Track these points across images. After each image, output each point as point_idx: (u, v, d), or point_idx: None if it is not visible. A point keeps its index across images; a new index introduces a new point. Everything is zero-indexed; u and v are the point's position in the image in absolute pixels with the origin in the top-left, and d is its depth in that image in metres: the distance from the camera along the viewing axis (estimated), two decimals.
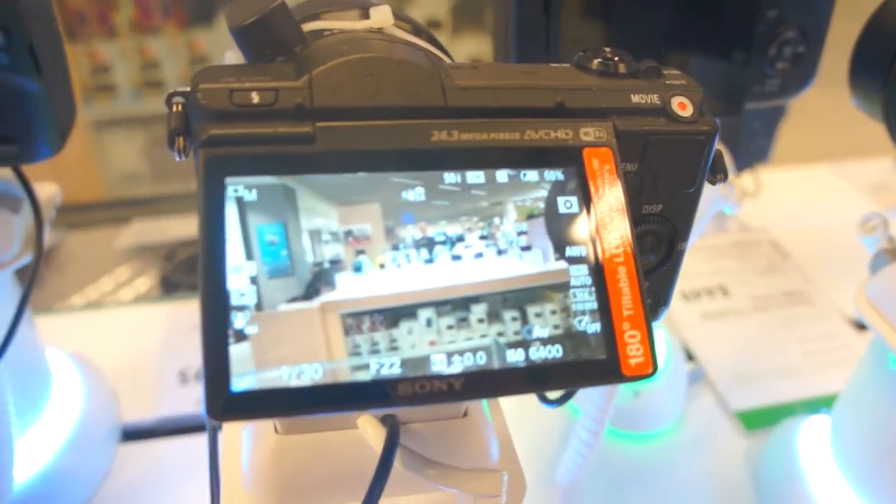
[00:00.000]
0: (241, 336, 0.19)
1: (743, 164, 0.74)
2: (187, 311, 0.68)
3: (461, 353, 0.20)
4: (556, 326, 0.21)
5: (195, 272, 0.75)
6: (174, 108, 0.21)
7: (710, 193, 0.42)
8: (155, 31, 1.27)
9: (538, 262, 0.21)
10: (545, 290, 0.21)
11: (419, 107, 0.21)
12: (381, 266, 0.21)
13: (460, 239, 0.21)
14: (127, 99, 1.29)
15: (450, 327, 0.20)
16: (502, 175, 0.22)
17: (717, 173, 0.25)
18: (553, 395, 0.31)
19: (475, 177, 0.21)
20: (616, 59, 0.24)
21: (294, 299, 0.20)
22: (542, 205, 0.22)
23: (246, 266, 0.19)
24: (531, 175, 0.22)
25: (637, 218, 0.25)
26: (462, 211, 0.21)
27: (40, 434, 0.49)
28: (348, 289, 0.20)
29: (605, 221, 0.22)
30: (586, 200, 0.22)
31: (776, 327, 0.68)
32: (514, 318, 0.21)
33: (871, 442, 0.43)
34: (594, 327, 0.21)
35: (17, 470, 0.40)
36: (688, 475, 0.54)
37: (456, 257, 0.21)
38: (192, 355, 0.63)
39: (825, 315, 0.69)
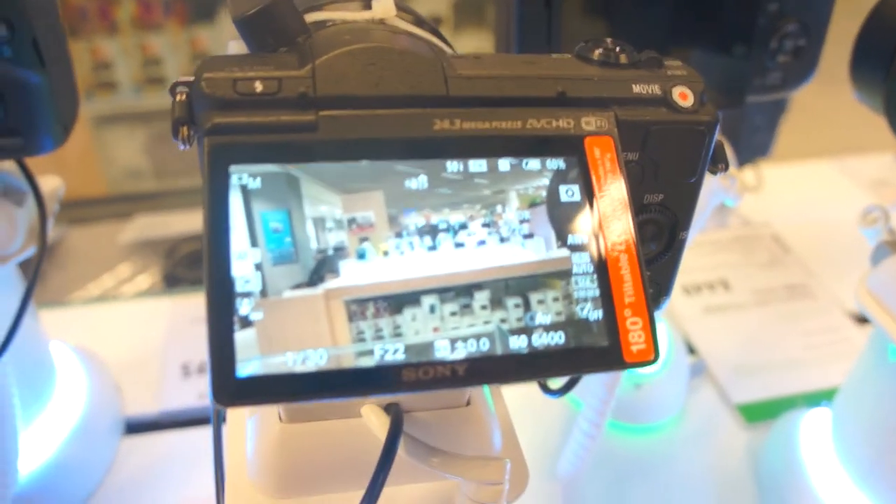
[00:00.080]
0: (246, 322, 0.19)
1: (744, 159, 0.74)
2: (190, 306, 0.69)
3: (464, 339, 0.20)
4: (558, 313, 0.21)
5: (197, 267, 0.75)
6: (178, 98, 0.21)
7: (711, 185, 0.42)
8: (156, 28, 1.27)
9: (540, 250, 0.22)
10: (547, 277, 0.21)
11: (422, 96, 0.22)
12: (385, 253, 0.21)
13: (463, 226, 0.21)
14: (128, 95, 1.30)
15: (453, 314, 0.21)
16: (504, 164, 0.22)
17: (718, 163, 0.25)
18: (555, 385, 0.31)
19: (477, 165, 0.21)
20: (617, 49, 0.24)
21: (298, 286, 0.20)
22: (543, 193, 0.22)
23: (250, 253, 0.20)
24: (533, 164, 0.22)
25: (638, 207, 0.25)
26: (465, 199, 0.21)
27: (44, 426, 0.50)
28: (352, 275, 0.20)
29: (607, 210, 0.22)
30: (588, 189, 0.22)
31: (777, 321, 0.68)
32: (516, 305, 0.21)
33: (872, 434, 0.43)
34: (596, 314, 0.21)
35: (22, 462, 0.40)
36: (689, 468, 0.55)
37: (459, 245, 0.21)
38: (195, 349, 0.63)
39: (826, 309, 0.70)
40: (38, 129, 0.35)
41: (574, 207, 0.22)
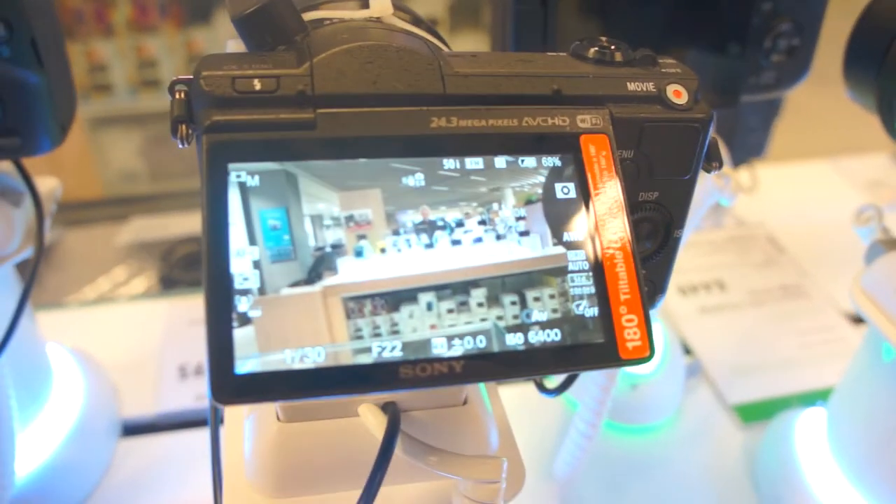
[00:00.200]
0: (244, 320, 0.19)
1: (739, 159, 0.74)
2: (186, 307, 0.69)
3: (461, 336, 0.21)
4: (554, 310, 0.21)
5: (194, 269, 0.75)
6: (177, 96, 0.21)
7: (706, 185, 0.42)
8: (152, 30, 1.27)
9: (536, 247, 0.22)
10: (543, 274, 0.22)
11: (419, 94, 0.22)
12: (382, 251, 0.21)
13: (460, 224, 0.21)
14: (124, 97, 1.30)
15: (450, 311, 0.21)
16: (500, 161, 0.22)
17: (712, 161, 0.25)
18: (551, 384, 0.31)
19: (474, 163, 0.22)
20: (612, 47, 0.25)
21: (296, 283, 0.20)
22: (539, 190, 0.22)
23: (249, 250, 0.20)
24: (529, 161, 0.22)
25: (633, 205, 0.25)
26: (461, 196, 0.21)
27: (41, 428, 0.49)
28: (350, 273, 0.21)
29: (602, 207, 0.22)
30: (583, 186, 0.22)
31: (773, 321, 0.68)
32: (513, 303, 0.21)
33: (867, 433, 0.43)
34: (592, 311, 0.21)
35: (19, 464, 0.40)
36: (685, 468, 0.55)
37: (455, 242, 0.21)
38: (192, 351, 0.63)
39: (821, 309, 0.70)
40: (35, 129, 0.35)
41: (570, 205, 0.22)
